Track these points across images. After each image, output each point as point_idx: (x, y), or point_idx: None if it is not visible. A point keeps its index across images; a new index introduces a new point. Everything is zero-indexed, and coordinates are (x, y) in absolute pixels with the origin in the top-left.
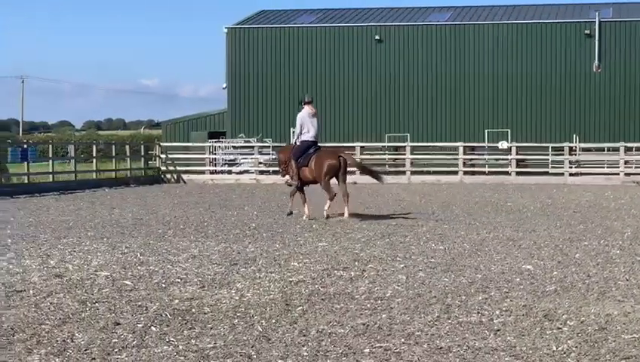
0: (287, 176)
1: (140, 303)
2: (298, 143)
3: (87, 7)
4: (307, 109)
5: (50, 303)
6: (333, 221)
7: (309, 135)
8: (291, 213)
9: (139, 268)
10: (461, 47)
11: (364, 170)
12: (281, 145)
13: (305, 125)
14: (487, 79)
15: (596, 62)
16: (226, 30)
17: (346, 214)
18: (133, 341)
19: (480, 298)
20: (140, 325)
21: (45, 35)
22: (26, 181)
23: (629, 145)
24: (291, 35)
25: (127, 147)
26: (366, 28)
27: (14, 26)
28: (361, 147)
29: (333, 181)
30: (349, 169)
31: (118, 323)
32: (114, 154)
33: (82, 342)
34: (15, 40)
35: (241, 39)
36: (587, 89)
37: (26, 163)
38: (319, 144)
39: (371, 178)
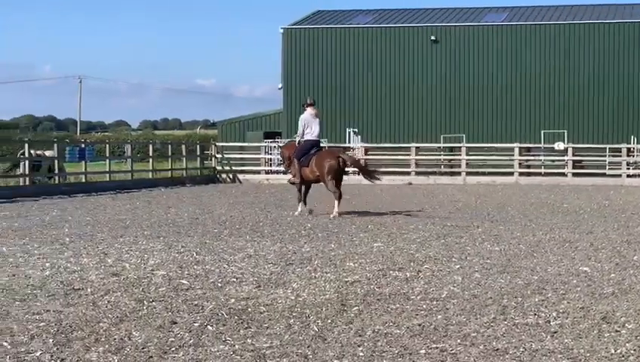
0: (290, 176)
1: (196, 302)
2: (302, 142)
3: (143, 7)
4: (310, 111)
5: (108, 301)
6: (388, 221)
7: (312, 135)
8: (311, 210)
9: (195, 267)
10: (517, 48)
11: (362, 169)
12: (339, 145)
13: (308, 125)
14: (543, 79)
15: None
16: (281, 30)
17: (335, 212)
18: (190, 340)
19: (536, 299)
20: (196, 324)
21: (103, 35)
22: (84, 180)
23: None
24: (347, 35)
25: (183, 147)
26: (422, 28)
27: (73, 27)
28: (416, 148)
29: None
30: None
31: (175, 322)
32: (170, 153)
33: (139, 341)
34: (73, 40)
35: (296, 39)
36: None
37: (83, 162)
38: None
39: (370, 178)
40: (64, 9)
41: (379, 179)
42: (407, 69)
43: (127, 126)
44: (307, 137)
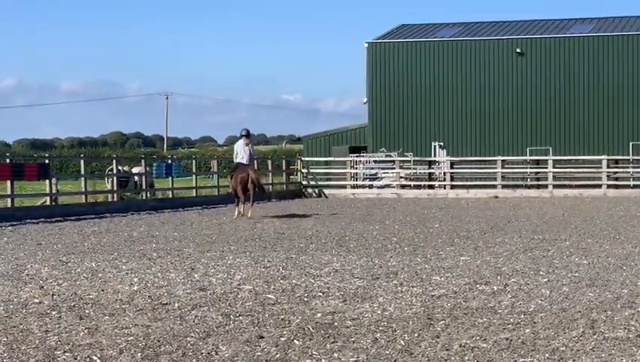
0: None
1: (282, 317)
2: (236, 163)
3: (229, 23)
4: (242, 141)
5: (195, 316)
6: (475, 235)
7: (243, 159)
8: (242, 214)
9: (281, 281)
10: (603, 59)
11: (256, 184)
12: (425, 159)
13: (239, 153)
14: (630, 90)
15: None
16: (366, 45)
17: (249, 214)
18: (277, 354)
19: (627, 313)
20: (283, 338)
21: (190, 52)
22: (171, 196)
23: None
24: (432, 48)
25: (269, 161)
26: (507, 41)
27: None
28: (502, 161)
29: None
30: None
31: (262, 337)
32: (255, 168)
33: (226, 355)
34: (160, 58)
35: (381, 53)
36: None
37: (170, 178)
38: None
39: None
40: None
41: (264, 193)
42: (493, 82)
43: (213, 142)
44: (239, 160)
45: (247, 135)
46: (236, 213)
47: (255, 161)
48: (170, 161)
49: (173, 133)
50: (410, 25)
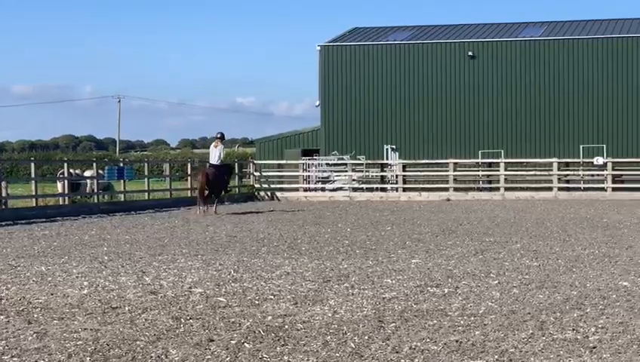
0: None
1: (233, 320)
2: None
3: (183, 26)
4: (213, 143)
5: (145, 319)
6: (427, 238)
7: (212, 160)
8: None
9: (232, 284)
10: (555, 62)
11: (205, 183)
12: (376, 161)
13: (211, 154)
14: (581, 94)
15: None
16: (319, 48)
17: (214, 210)
18: (227, 357)
19: (575, 315)
20: (233, 341)
21: (144, 55)
22: (123, 199)
23: None
24: (384, 51)
25: None
26: (459, 44)
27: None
28: (454, 163)
29: None
30: None
31: (212, 340)
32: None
33: (176, 358)
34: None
35: (334, 57)
36: None
37: (122, 181)
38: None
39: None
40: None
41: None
42: (445, 85)
43: (166, 145)
44: (210, 161)
45: (220, 137)
46: (199, 211)
47: (219, 161)
48: (122, 165)
49: (126, 136)
50: (362, 28)
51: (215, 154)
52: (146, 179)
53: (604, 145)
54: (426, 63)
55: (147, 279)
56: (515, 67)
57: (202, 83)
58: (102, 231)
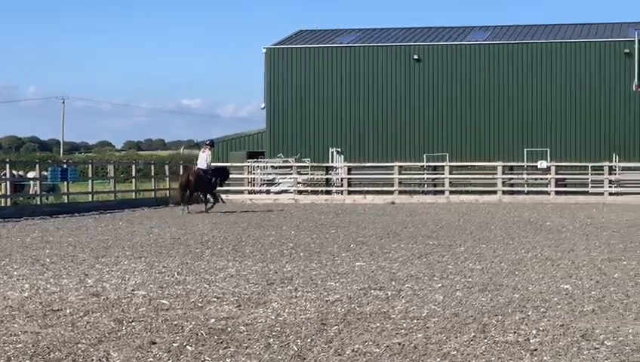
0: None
1: (176, 322)
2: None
3: (126, 27)
4: (202, 149)
5: (87, 322)
6: (371, 241)
7: (199, 165)
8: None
9: (176, 287)
10: (500, 66)
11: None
12: (321, 164)
13: (198, 159)
14: (525, 98)
15: (636, 81)
16: (264, 50)
17: (205, 209)
18: (169, 360)
19: (517, 317)
20: (175, 344)
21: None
22: (66, 201)
23: None
24: (330, 54)
25: (167, 167)
26: (405, 47)
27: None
28: (399, 167)
29: None
30: None
31: (154, 342)
32: (153, 174)
33: (118, 361)
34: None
35: (279, 59)
36: (627, 108)
37: (66, 183)
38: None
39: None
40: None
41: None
42: (390, 89)
43: (110, 146)
44: (198, 165)
45: (208, 144)
46: (181, 212)
47: (205, 165)
48: (65, 166)
49: (70, 137)
50: (308, 31)
51: (202, 159)
52: (90, 181)
53: (548, 149)
54: (372, 66)
55: (89, 281)
56: (461, 71)
57: (148, 84)
58: (44, 233)
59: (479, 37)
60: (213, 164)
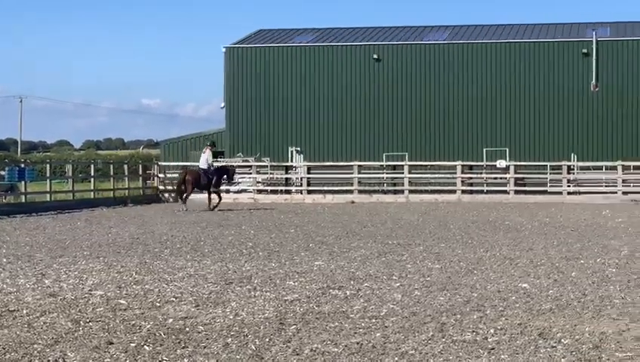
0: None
1: (133, 322)
2: None
3: (86, 26)
4: (203, 149)
5: (44, 322)
6: (330, 240)
7: (200, 165)
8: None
9: (134, 287)
10: (459, 66)
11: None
12: (281, 164)
13: (200, 159)
14: (485, 98)
15: (594, 81)
16: (224, 49)
17: (210, 207)
18: (126, 360)
19: (475, 316)
20: (133, 344)
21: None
22: (24, 200)
23: (627, 163)
24: (289, 54)
25: (126, 166)
26: (364, 47)
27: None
28: (359, 166)
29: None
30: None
31: (111, 343)
32: (112, 173)
33: None
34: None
35: (239, 58)
36: (585, 108)
37: (23, 182)
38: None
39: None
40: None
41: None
42: (350, 88)
43: (69, 146)
44: (199, 165)
45: (209, 145)
46: (180, 209)
47: (206, 165)
48: (23, 165)
49: (29, 137)
50: (267, 30)
51: (203, 159)
52: (48, 181)
53: (507, 149)
54: (331, 66)
55: (47, 281)
56: (420, 70)
57: (107, 84)
58: (1, 233)
59: (438, 37)
60: (216, 164)
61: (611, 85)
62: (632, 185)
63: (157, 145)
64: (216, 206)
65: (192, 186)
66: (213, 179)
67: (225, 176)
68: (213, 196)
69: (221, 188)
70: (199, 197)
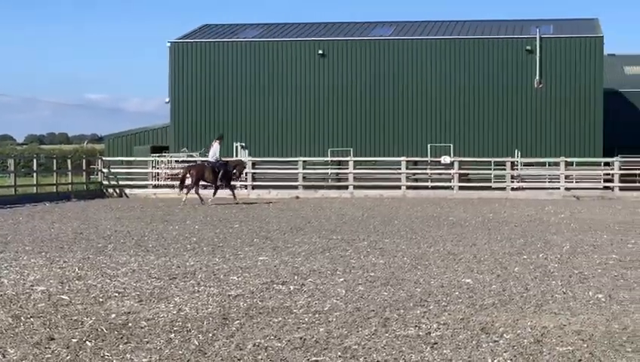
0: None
1: (75, 318)
2: None
3: (31, 20)
4: (212, 143)
5: None
6: (275, 235)
7: (209, 158)
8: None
9: (76, 282)
10: (404, 62)
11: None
12: (225, 159)
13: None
14: (429, 94)
15: (537, 77)
16: (169, 44)
17: (209, 202)
18: (67, 356)
19: (418, 311)
20: (74, 340)
21: None
22: None
23: (570, 159)
24: (234, 49)
25: (69, 161)
26: (309, 42)
27: None
28: (304, 161)
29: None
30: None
31: (53, 338)
32: (55, 168)
33: (14, 358)
34: None
35: (184, 53)
36: (529, 104)
37: None
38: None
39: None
40: None
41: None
42: (295, 83)
43: (12, 140)
44: (208, 158)
45: (217, 138)
46: (183, 199)
47: (214, 158)
48: None
49: None
50: (213, 25)
51: (211, 153)
52: None
53: (451, 145)
54: (276, 61)
55: None
56: (365, 66)
57: (52, 79)
58: None
59: (384, 32)
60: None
61: (554, 82)
62: (574, 181)
63: (101, 140)
64: (236, 200)
65: (194, 179)
66: (220, 173)
67: (234, 171)
68: (227, 191)
69: (219, 183)
70: (142, 192)
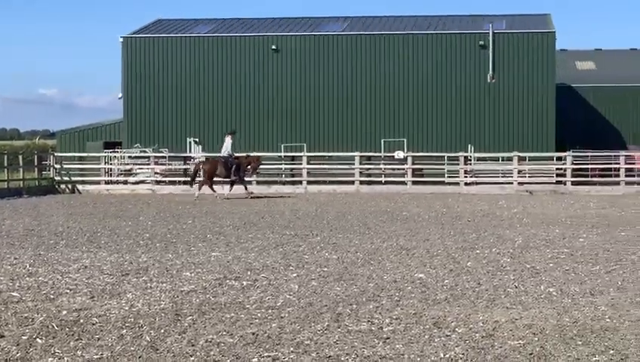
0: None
1: (26, 315)
2: None
3: None
4: (224, 138)
5: None
6: (228, 231)
7: (222, 153)
8: (218, 196)
9: (27, 279)
10: (356, 57)
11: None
12: (179, 155)
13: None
14: (383, 89)
15: (490, 72)
16: (121, 39)
17: (225, 195)
18: (17, 353)
19: (371, 306)
20: (24, 337)
21: None
22: None
23: (523, 154)
24: (187, 44)
25: (20, 157)
26: (262, 38)
27: None
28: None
29: None
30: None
31: (2, 336)
32: (6, 164)
33: None
34: None
35: (136, 48)
36: (482, 99)
37: None
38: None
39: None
40: None
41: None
42: (248, 79)
43: None
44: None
45: (229, 133)
46: (197, 194)
47: (227, 153)
48: None
49: None
50: (166, 20)
51: (223, 148)
52: None
53: (405, 140)
54: (229, 56)
55: None
56: (318, 61)
57: (3, 74)
58: None
59: (336, 28)
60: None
61: (507, 77)
62: (527, 175)
63: (53, 136)
64: (251, 194)
65: (208, 174)
66: (232, 168)
67: (248, 167)
68: (240, 187)
69: (233, 178)
70: (94, 188)
